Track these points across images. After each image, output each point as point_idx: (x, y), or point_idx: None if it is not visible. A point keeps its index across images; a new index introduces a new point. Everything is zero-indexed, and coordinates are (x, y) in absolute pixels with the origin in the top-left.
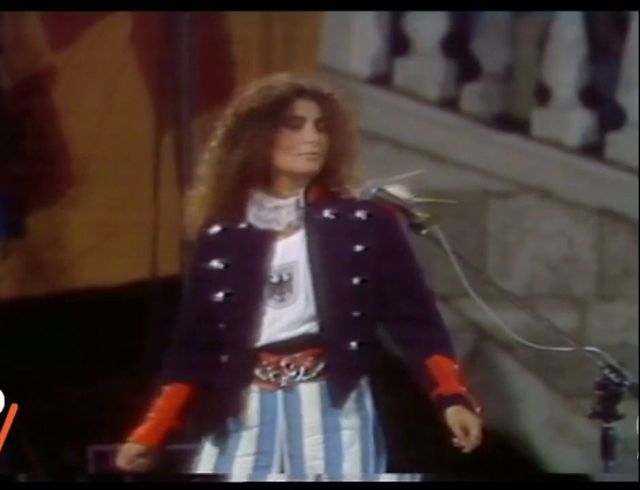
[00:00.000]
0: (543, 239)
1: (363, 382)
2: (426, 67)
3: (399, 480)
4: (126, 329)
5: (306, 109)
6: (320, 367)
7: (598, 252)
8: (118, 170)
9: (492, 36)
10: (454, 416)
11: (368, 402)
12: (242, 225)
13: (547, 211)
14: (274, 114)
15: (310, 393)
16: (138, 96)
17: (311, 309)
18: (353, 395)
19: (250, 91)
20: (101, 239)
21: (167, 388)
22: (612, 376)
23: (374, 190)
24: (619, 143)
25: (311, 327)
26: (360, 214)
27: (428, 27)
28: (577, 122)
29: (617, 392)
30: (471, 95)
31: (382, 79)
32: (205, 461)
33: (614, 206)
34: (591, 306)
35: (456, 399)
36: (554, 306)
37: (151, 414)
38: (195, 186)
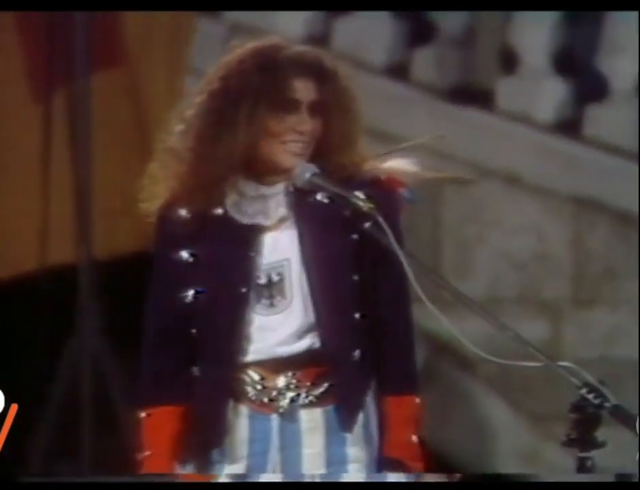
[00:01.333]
0: (509, 233)
1: (369, 400)
2: (369, 28)
3: (400, 481)
4: (15, 325)
5: (302, 90)
6: (323, 387)
7: (574, 249)
8: (3, 149)
9: None
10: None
11: (374, 427)
12: (218, 211)
13: (513, 200)
14: (269, 96)
15: (312, 420)
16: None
17: (310, 317)
18: (361, 417)
19: (240, 55)
20: None
21: (154, 415)
22: (590, 396)
23: (307, 175)
24: (600, 119)
25: (312, 340)
26: (358, 194)
27: None
28: (549, 94)
29: (596, 415)
30: (423, 61)
31: (317, 42)
32: None
33: (593, 194)
34: (565, 313)
35: (396, 465)
36: (521, 313)
37: (147, 452)
38: (160, 157)
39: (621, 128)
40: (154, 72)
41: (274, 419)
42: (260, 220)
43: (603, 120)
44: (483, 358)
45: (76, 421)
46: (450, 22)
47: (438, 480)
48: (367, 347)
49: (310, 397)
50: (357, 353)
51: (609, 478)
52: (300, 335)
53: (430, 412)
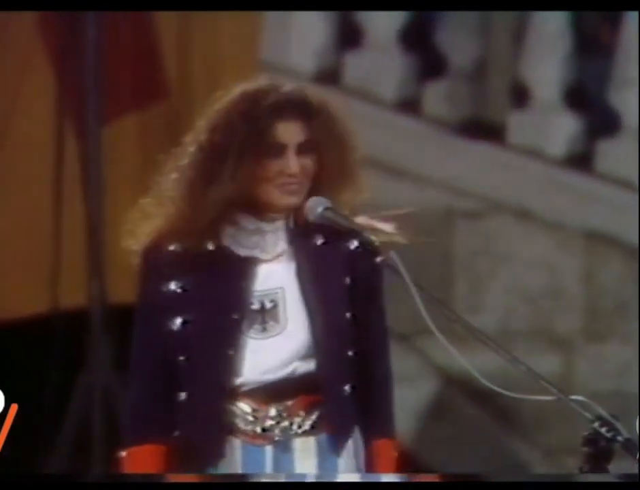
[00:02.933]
0: (520, 267)
1: (357, 434)
2: (381, 62)
3: (399, 481)
4: (26, 366)
5: (287, 133)
6: (315, 415)
7: (586, 283)
8: (15, 190)
9: (460, 26)
10: None
11: (362, 460)
12: (210, 247)
13: (524, 235)
14: (255, 144)
15: (305, 449)
16: (44, 100)
17: (305, 344)
18: (352, 448)
19: (226, 103)
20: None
21: (133, 454)
22: (603, 429)
23: (319, 209)
24: (611, 154)
25: (306, 366)
26: (350, 244)
27: (384, 16)
28: (560, 129)
29: (609, 449)
30: (435, 96)
31: (328, 76)
32: None
33: (605, 229)
34: (577, 347)
35: None
36: (534, 347)
37: None
38: (154, 197)
39: (632, 163)
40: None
41: (268, 450)
42: (257, 254)
43: (614, 154)
44: (495, 391)
45: (88, 453)
46: (461, 56)
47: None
48: (356, 384)
49: (303, 427)
50: (347, 387)
51: (608, 478)
52: (292, 360)
53: (442, 445)
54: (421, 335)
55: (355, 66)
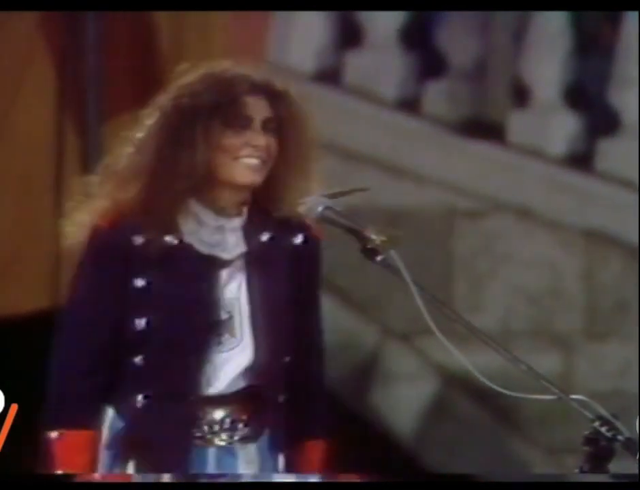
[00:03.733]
0: (521, 266)
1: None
2: (381, 61)
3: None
4: (27, 363)
5: (254, 107)
6: (255, 422)
7: (586, 283)
8: (17, 188)
9: (460, 26)
10: None
11: (270, 464)
12: (172, 240)
13: (525, 234)
14: (222, 113)
15: (247, 454)
16: (45, 97)
17: (250, 357)
18: (253, 452)
19: (191, 78)
20: (1, 266)
21: (69, 436)
22: (603, 429)
23: (320, 208)
24: (611, 153)
25: (249, 378)
26: (295, 239)
27: (384, 15)
28: (560, 128)
29: (609, 448)
30: (435, 96)
31: (329, 76)
32: None
33: (605, 228)
34: (578, 346)
35: None
36: (534, 346)
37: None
38: (104, 180)
39: (633, 162)
40: None
41: (211, 452)
42: (218, 252)
43: (615, 153)
44: (496, 391)
45: None
46: (461, 55)
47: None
48: (291, 389)
49: (243, 432)
50: (283, 396)
51: (609, 478)
52: (241, 372)
53: (442, 445)
54: (421, 335)
55: (356, 65)
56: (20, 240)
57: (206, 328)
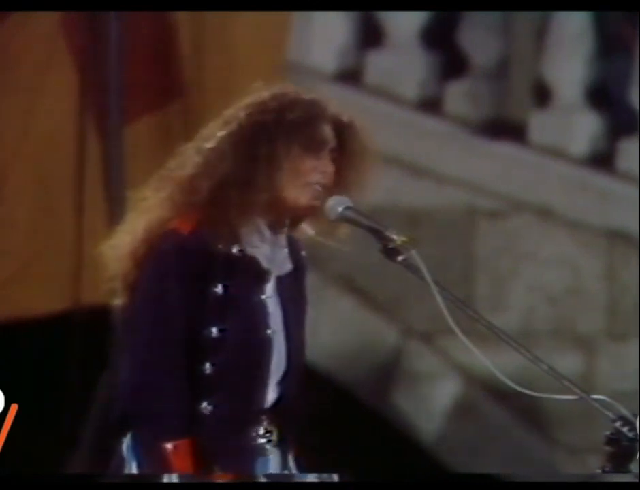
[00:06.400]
0: (542, 266)
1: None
2: (403, 61)
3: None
4: (50, 361)
5: (328, 133)
6: (277, 433)
7: (608, 282)
8: (38, 190)
9: (482, 25)
10: None
11: None
12: (237, 251)
13: (546, 234)
14: (302, 134)
15: (276, 457)
16: (66, 99)
17: (283, 370)
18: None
19: (265, 96)
20: (22, 267)
21: (180, 446)
22: (624, 429)
23: (340, 209)
24: (633, 153)
25: (282, 388)
26: (301, 252)
27: (405, 15)
28: (582, 128)
29: (631, 448)
30: (456, 95)
31: (350, 76)
32: None
33: (626, 228)
34: (599, 346)
35: None
36: (555, 346)
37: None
38: (161, 187)
39: None
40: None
41: (265, 459)
42: (274, 268)
43: (636, 153)
44: (517, 391)
45: (110, 453)
46: (483, 55)
47: None
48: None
49: (275, 441)
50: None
51: (631, 477)
52: (277, 385)
53: (464, 444)
54: (442, 335)
55: (377, 65)
56: (40, 242)
57: (267, 340)
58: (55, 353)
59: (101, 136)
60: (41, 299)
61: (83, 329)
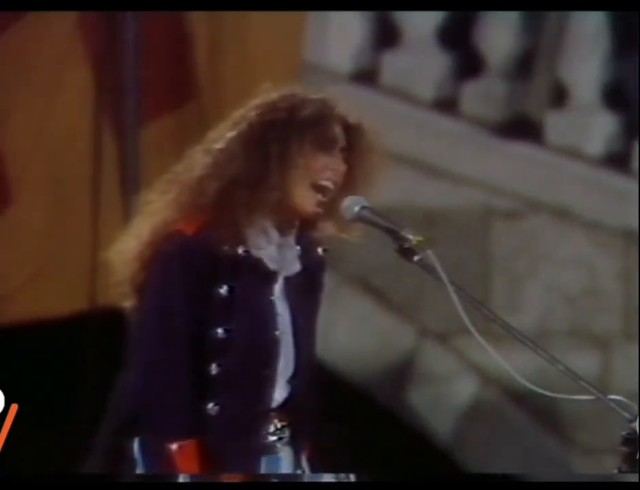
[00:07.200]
0: (559, 266)
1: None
2: (419, 61)
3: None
4: (66, 363)
5: (339, 133)
6: (295, 429)
7: (624, 282)
8: (54, 190)
9: (498, 25)
10: None
11: None
12: (242, 251)
13: (563, 234)
14: (313, 132)
15: (288, 456)
16: (83, 99)
17: (292, 370)
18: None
19: (275, 96)
20: (39, 268)
21: (185, 447)
22: None
23: (356, 209)
24: None
25: (291, 388)
26: (317, 252)
27: (421, 15)
28: (599, 128)
29: None
30: (473, 96)
31: (366, 76)
32: None
33: None
34: (616, 346)
35: None
36: (572, 346)
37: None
38: (168, 189)
39: None
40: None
41: (275, 459)
42: (281, 270)
43: None
44: (533, 391)
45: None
46: (499, 55)
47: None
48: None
49: (286, 439)
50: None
51: (609, 478)
52: (287, 384)
53: (480, 444)
54: (458, 335)
55: (393, 65)
56: (56, 243)
57: (275, 341)
58: (71, 354)
59: (117, 136)
60: (57, 300)
61: (99, 330)
